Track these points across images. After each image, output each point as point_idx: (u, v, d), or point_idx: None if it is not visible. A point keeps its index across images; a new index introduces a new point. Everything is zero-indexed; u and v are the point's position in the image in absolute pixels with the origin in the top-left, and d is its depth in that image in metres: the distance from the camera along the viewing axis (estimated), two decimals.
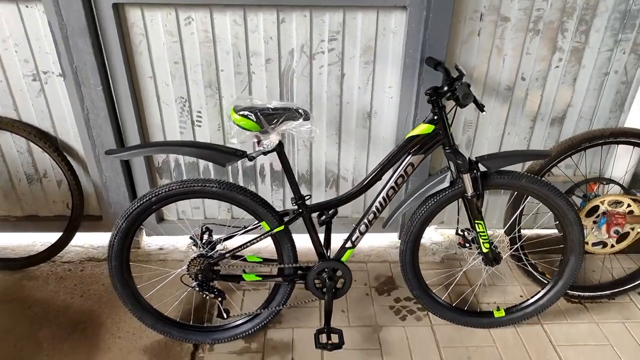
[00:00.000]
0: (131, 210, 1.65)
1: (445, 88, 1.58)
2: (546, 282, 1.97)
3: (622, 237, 1.99)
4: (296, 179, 1.80)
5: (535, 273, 2.05)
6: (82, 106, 1.97)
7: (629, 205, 1.95)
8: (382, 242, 2.45)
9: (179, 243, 2.38)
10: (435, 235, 2.44)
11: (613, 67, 2.06)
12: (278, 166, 2.23)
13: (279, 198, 2.33)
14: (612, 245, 2.00)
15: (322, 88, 2.04)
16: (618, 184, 2.05)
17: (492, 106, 2.12)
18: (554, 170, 2.00)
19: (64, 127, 2.11)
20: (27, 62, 1.94)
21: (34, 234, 2.39)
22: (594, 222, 1.98)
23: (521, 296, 2.13)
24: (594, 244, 2.02)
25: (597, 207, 1.96)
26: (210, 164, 2.22)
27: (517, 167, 2.07)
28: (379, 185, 1.75)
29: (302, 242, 1.81)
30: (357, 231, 1.78)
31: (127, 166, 2.18)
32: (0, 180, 2.24)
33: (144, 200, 1.64)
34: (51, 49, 1.89)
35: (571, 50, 2.01)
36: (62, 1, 1.75)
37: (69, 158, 2.13)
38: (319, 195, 2.32)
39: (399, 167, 1.70)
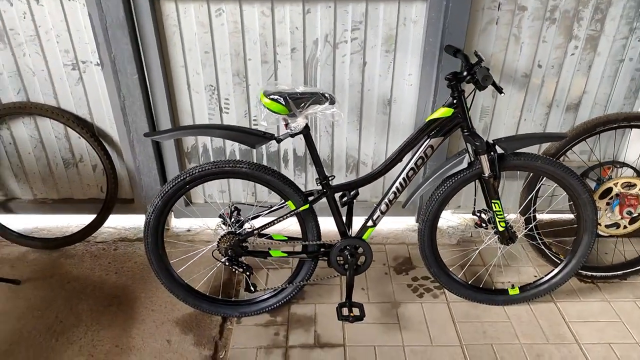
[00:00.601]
0: (167, 190, 1.76)
1: (465, 73, 1.66)
2: (559, 261, 2.04)
3: (634, 219, 2.05)
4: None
5: (548, 252, 2.11)
6: (118, 94, 2.09)
7: None
8: (400, 225, 2.54)
9: (206, 225, 2.49)
10: (452, 218, 2.52)
11: (628, 54, 2.11)
12: (301, 151, 2.33)
13: (301, 182, 2.42)
14: (625, 227, 2.06)
15: (344, 76, 2.13)
16: (631, 167, 2.10)
17: (509, 93, 2.18)
18: (570, 156, 2.06)
19: (100, 113, 2.22)
20: (67, 52, 2.06)
21: (69, 215, 2.52)
22: (607, 204, 2.04)
23: (535, 276, 2.19)
24: (607, 226, 2.07)
25: (610, 190, 2.02)
26: (237, 150, 2.33)
27: (533, 151, 2.13)
28: (397, 168, 1.83)
29: (322, 225, 1.89)
30: (378, 210, 1.87)
31: (158, 151, 2.29)
32: (39, 165, 2.37)
33: (179, 180, 1.75)
34: (90, 39, 2.01)
35: (587, 38, 2.06)
36: None
37: (104, 143, 2.26)
38: (339, 179, 2.40)
39: (419, 149, 1.79)
